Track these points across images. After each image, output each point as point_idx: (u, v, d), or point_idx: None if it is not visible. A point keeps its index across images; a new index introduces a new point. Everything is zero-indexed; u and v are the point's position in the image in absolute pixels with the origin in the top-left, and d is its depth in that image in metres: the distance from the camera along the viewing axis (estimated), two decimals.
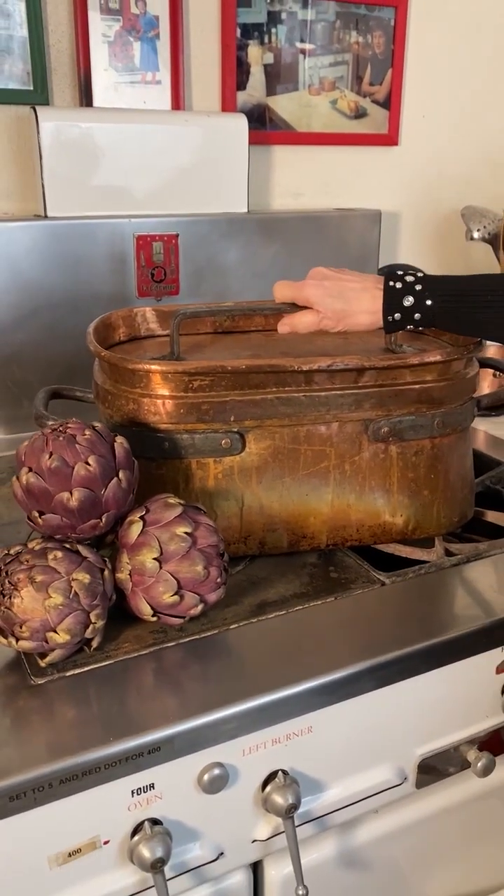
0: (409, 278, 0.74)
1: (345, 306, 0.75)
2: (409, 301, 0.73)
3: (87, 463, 0.62)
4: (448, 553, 0.80)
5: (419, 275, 0.75)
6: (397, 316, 0.74)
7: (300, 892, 0.61)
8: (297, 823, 0.63)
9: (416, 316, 0.74)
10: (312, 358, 0.73)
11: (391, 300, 0.74)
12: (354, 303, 0.76)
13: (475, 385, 0.81)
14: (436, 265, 1.51)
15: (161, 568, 0.63)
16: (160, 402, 0.72)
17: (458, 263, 1.53)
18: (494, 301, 0.72)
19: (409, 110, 1.39)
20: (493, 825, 0.80)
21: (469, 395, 0.80)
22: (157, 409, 0.72)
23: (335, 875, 0.71)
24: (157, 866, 0.56)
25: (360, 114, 1.35)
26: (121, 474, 0.64)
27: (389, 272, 0.77)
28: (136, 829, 0.58)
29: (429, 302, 0.73)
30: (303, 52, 1.27)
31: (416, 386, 0.76)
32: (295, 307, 0.78)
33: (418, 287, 0.73)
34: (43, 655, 0.61)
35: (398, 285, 0.74)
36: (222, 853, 0.62)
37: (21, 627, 0.59)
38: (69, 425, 0.64)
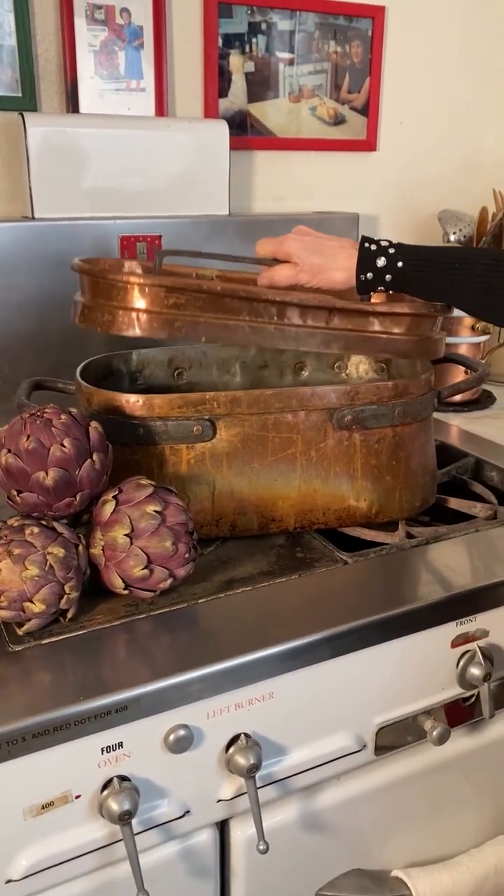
0: (384, 243, 0.79)
1: (322, 261, 0.80)
2: (381, 262, 0.78)
3: (63, 445, 0.66)
4: (409, 536, 0.84)
5: (393, 241, 0.80)
6: (370, 275, 0.79)
7: (261, 848, 0.65)
8: (259, 785, 0.67)
9: (388, 277, 0.78)
10: (286, 291, 0.77)
11: (365, 259, 0.79)
12: (331, 259, 0.80)
13: (439, 349, 0.85)
14: None
15: (132, 543, 0.67)
16: (135, 314, 0.75)
17: None
18: (461, 268, 0.77)
19: (387, 117, 1.44)
20: (451, 795, 0.84)
21: (434, 355, 0.84)
22: (131, 321, 0.75)
23: (299, 838, 0.75)
24: (124, 818, 0.60)
25: (339, 120, 1.39)
26: (94, 456, 0.68)
27: (365, 236, 0.81)
28: (106, 785, 0.62)
29: (400, 264, 0.78)
30: (283, 60, 1.31)
31: (384, 336, 0.80)
32: (275, 263, 0.83)
33: (391, 251, 0.78)
34: (20, 625, 0.65)
35: (373, 247, 0.79)
36: (188, 811, 0.66)
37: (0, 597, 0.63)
38: (46, 410, 0.68)
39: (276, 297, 0.75)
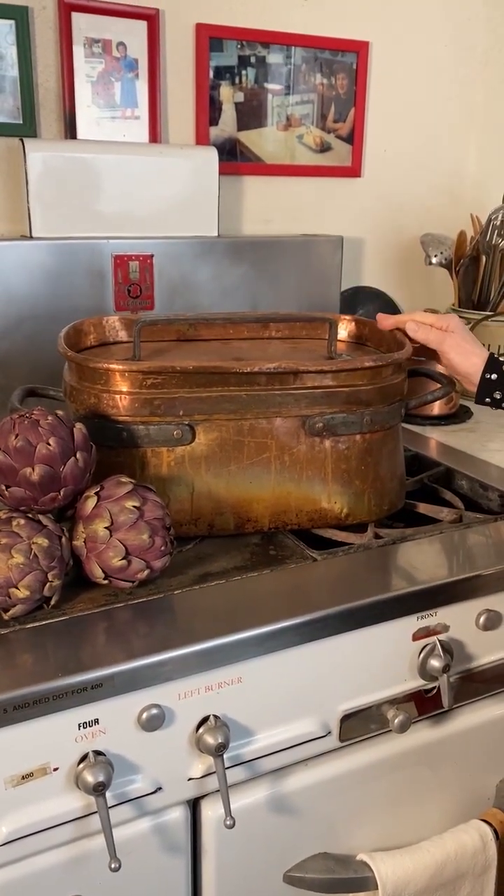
0: None
1: (471, 346, 0.92)
2: None
3: (48, 443, 0.71)
4: (377, 537, 0.89)
5: None
6: (494, 376, 0.90)
7: (227, 823, 0.70)
8: (228, 765, 0.72)
9: None
10: (253, 361, 0.83)
11: (493, 363, 0.90)
12: (478, 348, 0.92)
13: (402, 390, 0.91)
14: (398, 288, 1.62)
15: (111, 536, 0.72)
16: (118, 396, 0.82)
17: (420, 286, 1.65)
18: None
19: (371, 145, 1.51)
20: (415, 785, 0.88)
21: (396, 397, 0.90)
22: (115, 403, 0.82)
23: (269, 820, 0.79)
24: (98, 789, 0.65)
25: (325, 148, 1.47)
26: (78, 455, 0.74)
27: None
28: (82, 759, 0.66)
29: None
30: (271, 91, 1.39)
31: (346, 389, 0.86)
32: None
33: None
34: (6, 610, 0.70)
35: (502, 358, 0.91)
36: (160, 787, 0.71)
37: None
38: (34, 412, 0.74)
39: (243, 369, 0.82)
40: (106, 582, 0.74)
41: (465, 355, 0.91)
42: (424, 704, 0.84)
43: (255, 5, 1.33)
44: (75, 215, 1.22)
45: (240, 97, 1.36)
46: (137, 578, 0.74)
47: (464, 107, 1.60)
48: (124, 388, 0.82)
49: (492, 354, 0.91)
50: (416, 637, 0.81)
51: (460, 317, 1.21)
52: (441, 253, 1.48)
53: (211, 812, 0.76)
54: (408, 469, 1.00)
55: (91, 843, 0.70)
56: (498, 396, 0.91)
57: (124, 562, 0.72)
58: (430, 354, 0.96)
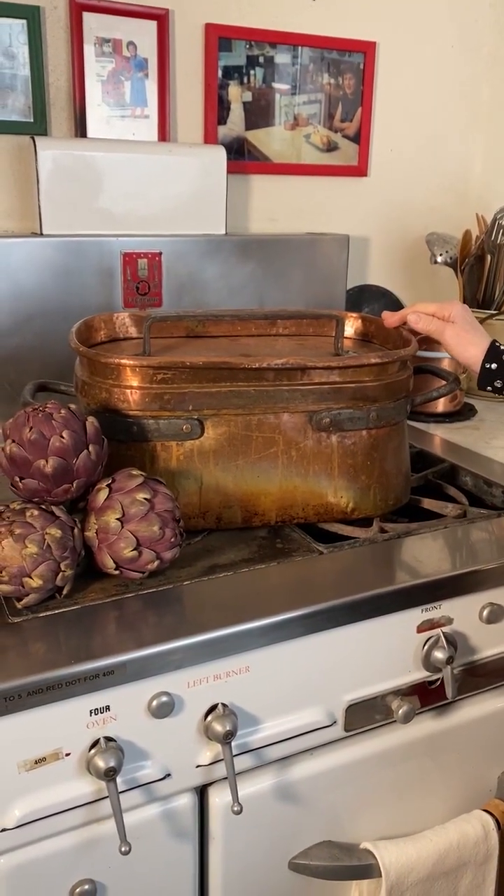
0: None
1: (471, 335, 0.92)
2: None
3: (62, 436, 0.73)
4: (382, 531, 0.90)
5: None
6: (493, 366, 0.90)
7: (235, 809, 0.71)
8: (235, 753, 0.73)
9: None
10: (261, 357, 0.84)
11: (493, 352, 0.90)
12: (479, 336, 0.92)
13: (408, 386, 0.92)
14: (404, 287, 1.64)
15: (123, 527, 0.73)
16: (128, 391, 0.83)
17: (425, 285, 1.66)
18: None
19: (378, 144, 1.52)
20: (419, 775, 0.89)
21: (402, 394, 0.91)
22: (125, 398, 0.83)
23: (274, 808, 0.80)
24: (109, 774, 0.66)
25: (331, 147, 1.48)
26: (90, 448, 0.75)
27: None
28: (94, 745, 0.68)
29: None
30: (279, 91, 1.40)
31: (353, 385, 0.87)
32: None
33: None
34: (20, 599, 0.72)
35: (503, 347, 0.91)
36: (169, 774, 0.72)
37: (1, 573, 0.70)
38: (48, 405, 0.75)
39: (252, 365, 0.83)
40: (117, 572, 0.75)
41: (463, 346, 0.92)
42: (428, 696, 0.86)
43: (264, 6, 1.35)
44: (85, 213, 1.23)
45: (248, 97, 1.38)
46: (147, 569, 0.75)
47: (470, 107, 1.61)
48: (135, 383, 0.83)
49: (493, 342, 0.92)
50: (420, 629, 0.82)
51: None
52: (446, 252, 1.49)
53: (218, 799, 0.77)
54: (413, 465, 1.01)
55: (101, 827, 0.71)
56: (499, 385, 0.91)
57: (135, 553, 0.74)
58: (436, 342, 0.97)
